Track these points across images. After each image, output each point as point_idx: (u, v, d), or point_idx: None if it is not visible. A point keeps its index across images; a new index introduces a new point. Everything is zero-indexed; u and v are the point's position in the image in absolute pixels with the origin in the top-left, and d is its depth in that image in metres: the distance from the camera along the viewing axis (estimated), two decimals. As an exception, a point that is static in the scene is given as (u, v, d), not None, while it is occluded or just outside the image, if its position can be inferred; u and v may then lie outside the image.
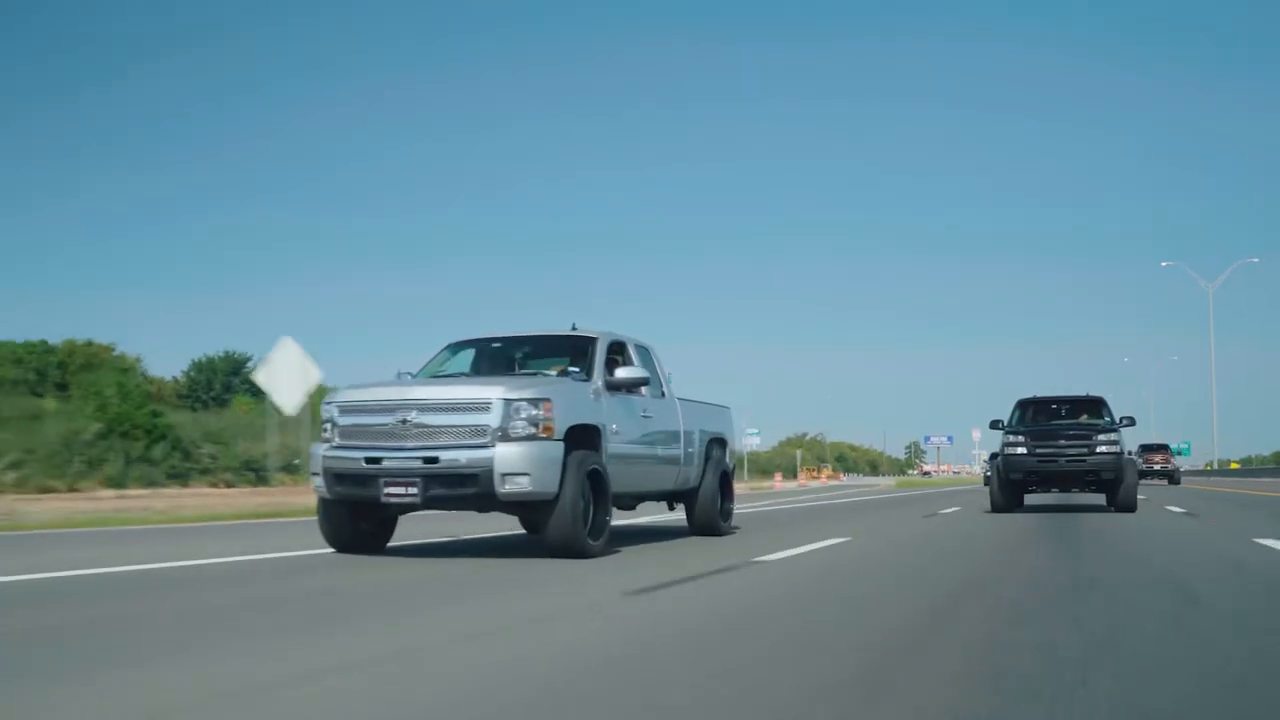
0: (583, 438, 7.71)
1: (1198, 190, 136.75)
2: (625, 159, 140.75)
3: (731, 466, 10.82)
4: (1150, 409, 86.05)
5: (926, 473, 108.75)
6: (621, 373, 8.33)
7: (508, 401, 7.24)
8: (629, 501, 9.58)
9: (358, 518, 7.91)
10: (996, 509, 15.49)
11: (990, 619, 4.53)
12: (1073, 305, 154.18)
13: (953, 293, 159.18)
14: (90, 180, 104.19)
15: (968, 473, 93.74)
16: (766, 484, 51.67)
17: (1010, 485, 15.57)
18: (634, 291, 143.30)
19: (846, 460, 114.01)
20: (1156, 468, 41.86)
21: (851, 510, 17.85)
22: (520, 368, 8.76)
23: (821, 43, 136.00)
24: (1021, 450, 15.52)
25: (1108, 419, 16.43)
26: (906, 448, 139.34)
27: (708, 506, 10.01)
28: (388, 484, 7.27)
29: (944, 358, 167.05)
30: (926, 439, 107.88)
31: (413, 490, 7.21)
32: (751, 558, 7.57)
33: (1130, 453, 16.57)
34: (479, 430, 7.21)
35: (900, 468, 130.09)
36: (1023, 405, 17.36)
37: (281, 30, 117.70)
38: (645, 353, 9.36)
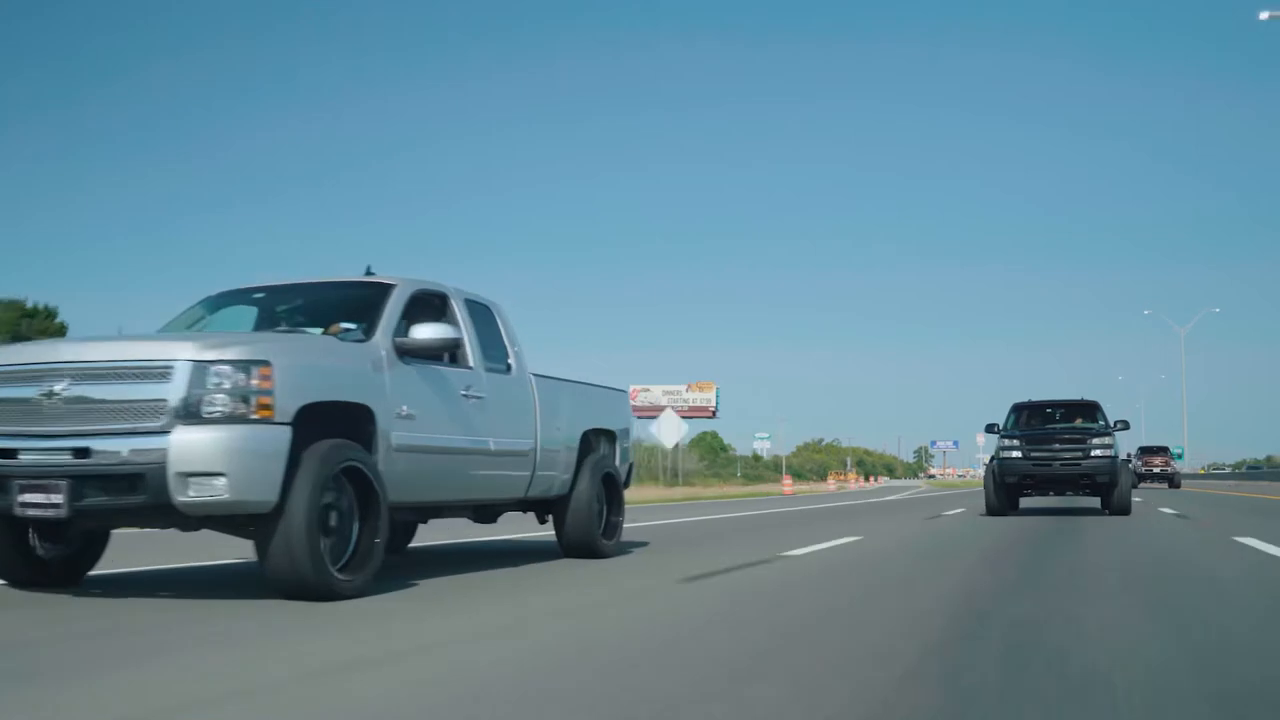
0: (337, 422, 5.28)
1: (1201, 194, 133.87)
2: (627, 161, 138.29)
3: (624, 468, 8.35)
4: (1142, 417, 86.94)
5: (931, 476, 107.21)
6: (421, 332, 5.85)
7: (199, 365, 4.80)
8: (465, 513, 7.12)
9: (34, 535, 5.51)
10: (992, 512, 15.15)
11: None
12: (1075, 310, 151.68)
13: (957, 297, 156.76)
14: (91, 182, 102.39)
15: (972, 476, 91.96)
16: (819, 486, 54.44)
17: (1005, 488, 15.34)
18: (637, 294, 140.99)
19: (865, 464, 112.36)
20: (1156, 470, 40.65)
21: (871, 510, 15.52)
22: (284, 326, 6.26)
23: (825, 46, 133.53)
24: (1016, 454, 15.38)
25: (1102, 423, 16.41)
26: (915, 452, 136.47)
27: (582, 520, 7.53)
28: (25, 489, 4.83)
29: (949, 362, 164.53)
30: (933, 444, 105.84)
31: (56, 498, 4.77)
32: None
33: (1128, 455, 17.45)
34: (154, 408, 4.77)
35: (912, 471, 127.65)
36: (1018, 409, 17.20)
37: (282, 34, 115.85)
38: (483, 312, 6.89)
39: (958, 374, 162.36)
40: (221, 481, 4.69)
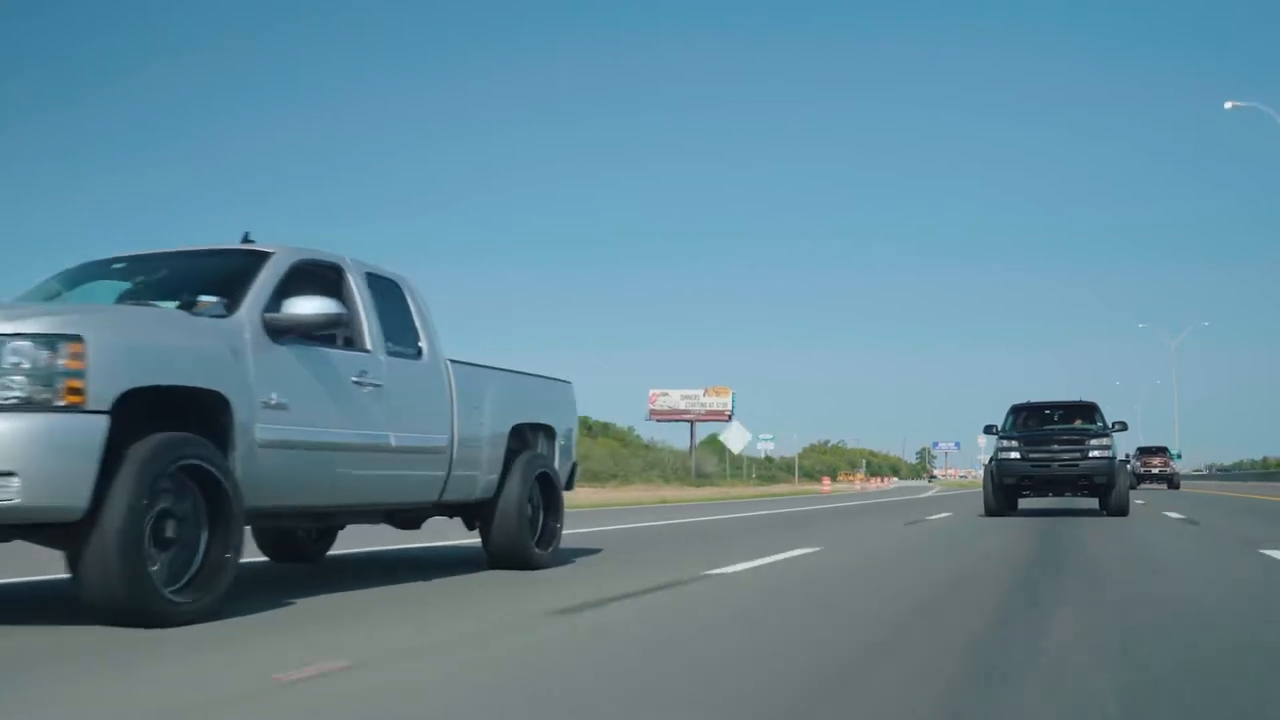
0: (180, 412, 4.43)
1: (1201, 194, 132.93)
2: (627, 161, 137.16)
3: (566, 468, 7.49)
4: (1140, 418, 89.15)
5: (934, 476, 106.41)
6: (297, 306, 4.98)
7: (-11, 340, 3.94)
8: (370, 518, 6.25)
9: None
10: (990, 513, 15.24)
11: None
12: (1075, 311, 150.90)
13: (957, 297, 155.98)
14: (91, 182, 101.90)
15: (974, 476, 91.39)
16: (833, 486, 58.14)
17: (1003, 489, 15.40)
18: (637, 294, 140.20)
19: (870, 465, 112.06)
20: (1155, 471, 39.73)
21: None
22: (144, 301, 5.38)
23: (825, 46, 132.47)
24: (1015, 455, 15.45)
25: (1100, 424, 16.46)
26: (918, 453, 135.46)
27: (511, 527, 6.65)
28: None
29: (949, 363, 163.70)
30: (935, 444, 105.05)
31: None
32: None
33: (1127, 455, 18.13)
34: (-66, 393, 3.91)
35: (915, 472, 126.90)
36: (1016, 410, 17.25)
37: (282, 34, 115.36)
38: (389, 289, 6.02)
39: (958, 374, 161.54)
40: (14, 483, 3.83)
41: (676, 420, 59.78)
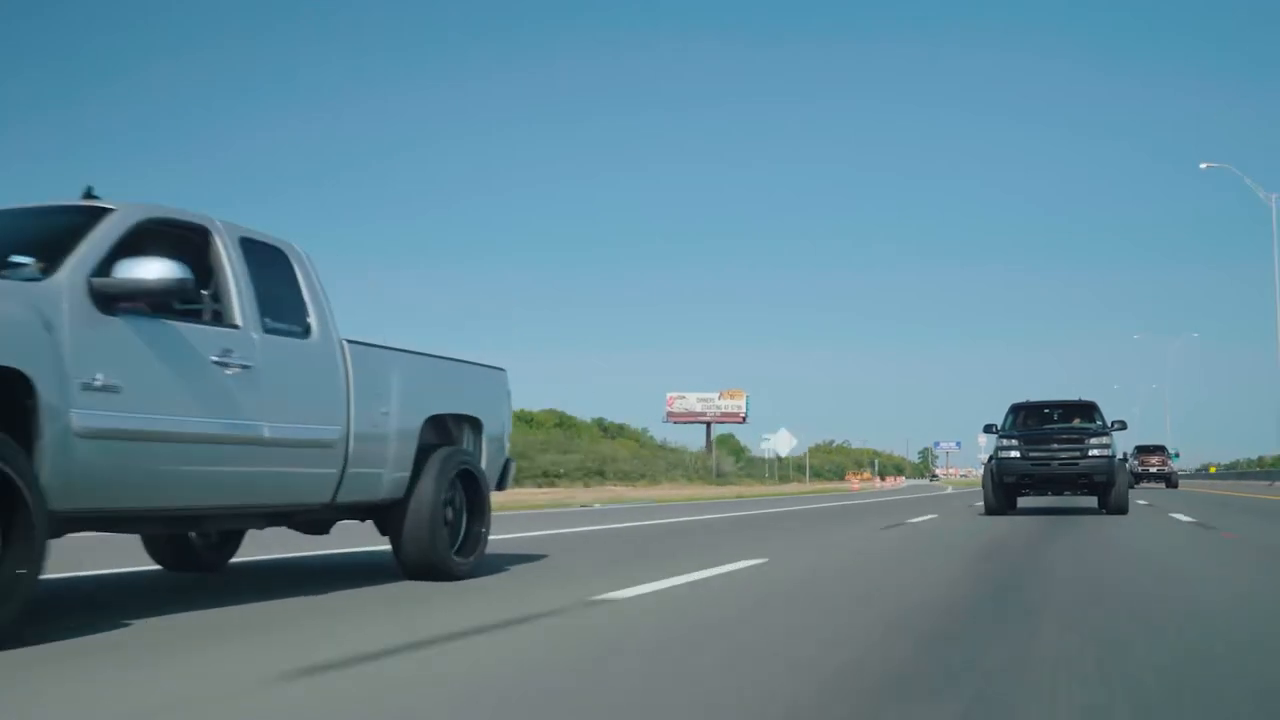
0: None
1: (1201, 194, 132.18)
2: (627, 161, 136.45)
3: (497, 466, 6.66)
4: (1138, 418, 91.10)
5: (935, 476, 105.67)
6: (131, 269, 4.15)
7: None
8: (250, 522, 5.41)
9: None
10: (990, 511, 15.20)
11: None
12: (1075, 311, 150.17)
13: (957, 297, 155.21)
14: (91, 182, 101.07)
15: (974, 475, 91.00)
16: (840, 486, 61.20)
17: (1003, 488, 15.37)
18: (637, 294, 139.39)
19: (877, 465, 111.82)
20: (1153, 470, 39.24)
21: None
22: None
23: (825, 46, 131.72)
24: (1015, 454, 15.41)
25: (1100, 423, 16.51)
26: (920, 453, 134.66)
27: (423, 532, 5.80)
28: None
29: (949, 362, 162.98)
30: (937, 444, 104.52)
31: None
32: None
33: (1125, 454, 17.54)
34: None
35: (919, 471, 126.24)
36: (1016, 409, 17.31)
37: (282, 34, 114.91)
38: (270, 256, 5.18)
39: (958, 374, 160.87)
40: None
41: (693, 422, 61.85)
